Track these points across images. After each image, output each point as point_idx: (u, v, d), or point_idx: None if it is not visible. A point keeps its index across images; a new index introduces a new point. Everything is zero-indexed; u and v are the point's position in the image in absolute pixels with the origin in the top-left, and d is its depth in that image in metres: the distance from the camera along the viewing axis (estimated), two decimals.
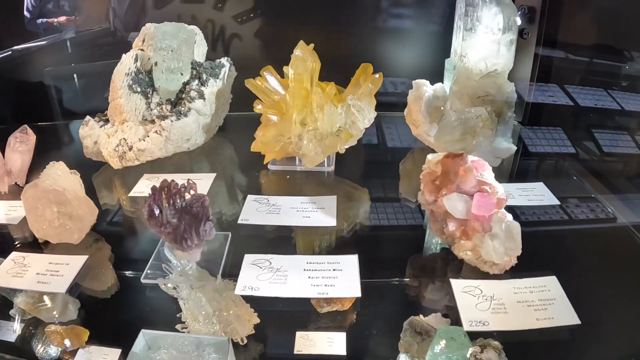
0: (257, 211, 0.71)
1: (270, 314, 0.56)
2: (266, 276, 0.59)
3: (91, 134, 0.85)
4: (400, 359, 0.46)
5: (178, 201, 0.59)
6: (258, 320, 0.54)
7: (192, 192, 0.60)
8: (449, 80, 0.82)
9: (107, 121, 0.87)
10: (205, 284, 0.57)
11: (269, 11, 1.04)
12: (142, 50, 0.85)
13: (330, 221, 0.68)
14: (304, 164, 0.79)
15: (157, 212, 0.59)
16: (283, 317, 0.57)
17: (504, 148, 0.79)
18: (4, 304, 0.60)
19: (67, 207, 0.67)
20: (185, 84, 0.84)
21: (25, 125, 0.85)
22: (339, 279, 0.58)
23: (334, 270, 0.59)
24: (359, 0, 1.01)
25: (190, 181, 0.60)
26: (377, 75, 0.77)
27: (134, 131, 0.82)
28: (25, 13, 1.06)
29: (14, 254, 0.67)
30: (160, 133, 0.80)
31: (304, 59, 0.73)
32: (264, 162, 0.81)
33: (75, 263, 0.64)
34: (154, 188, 0.60)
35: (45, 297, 0.59)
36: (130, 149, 0.81)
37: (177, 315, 0.55)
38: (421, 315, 0.51)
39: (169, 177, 0.79)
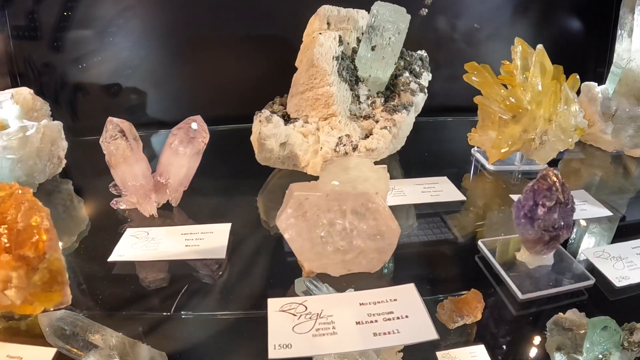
0: None
1: None
2: None
3: (276, 133, 0.66)
4: (557, 358, 0.44)
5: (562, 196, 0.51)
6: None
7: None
8: (613, 82, 0.88)
9: (284, 117, 0.69)
10: None
11: None
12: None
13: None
14: (528, 161, 0.76)
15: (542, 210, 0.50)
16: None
17: None
18: None
19: (368, 220, 0.48)
20: (393, 75, 0.72)
21: (198, 117, 0.61)
22: None
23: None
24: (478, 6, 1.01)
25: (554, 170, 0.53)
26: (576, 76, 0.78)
27: (352, 127, 0.67)
28: None
29: (282, 302, 0.45)
30: (390, 129, 0.67)
31: (545, 53, 0.71)
32: (490, 162, 0.74)
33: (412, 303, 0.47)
34: (544, 182, 0.51)
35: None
36: (355, 149, 0.65)
37: None
38: (560, 313, 0.49)
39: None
